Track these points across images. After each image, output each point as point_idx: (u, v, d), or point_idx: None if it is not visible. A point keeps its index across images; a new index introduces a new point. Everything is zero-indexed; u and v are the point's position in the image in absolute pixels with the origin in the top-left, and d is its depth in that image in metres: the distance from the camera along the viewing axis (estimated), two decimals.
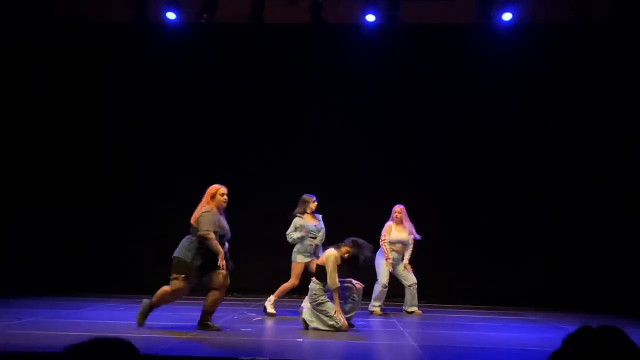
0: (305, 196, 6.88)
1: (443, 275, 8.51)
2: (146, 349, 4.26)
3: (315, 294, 5.59)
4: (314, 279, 5.71)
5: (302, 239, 6.71)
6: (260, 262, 8.77)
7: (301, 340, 5.08)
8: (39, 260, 8.51)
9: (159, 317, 6.32)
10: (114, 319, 6.10)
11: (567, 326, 6.43)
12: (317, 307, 5.56)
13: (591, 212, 8.55)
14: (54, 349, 4.04)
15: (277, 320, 6.29)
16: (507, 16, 8.47)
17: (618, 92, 8.57)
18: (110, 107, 9.18)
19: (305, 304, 5.71)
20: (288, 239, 6.79)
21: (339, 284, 5.57)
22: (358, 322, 5.98)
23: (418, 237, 7.26)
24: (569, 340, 1.49)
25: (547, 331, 6.09)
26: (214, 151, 9.06)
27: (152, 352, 4.20)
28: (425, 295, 8.68)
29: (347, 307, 5.74)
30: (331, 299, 5.62)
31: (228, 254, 5.53)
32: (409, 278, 7.22)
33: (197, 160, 9.03)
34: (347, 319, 5.65)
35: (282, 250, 8.00)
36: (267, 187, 8.82)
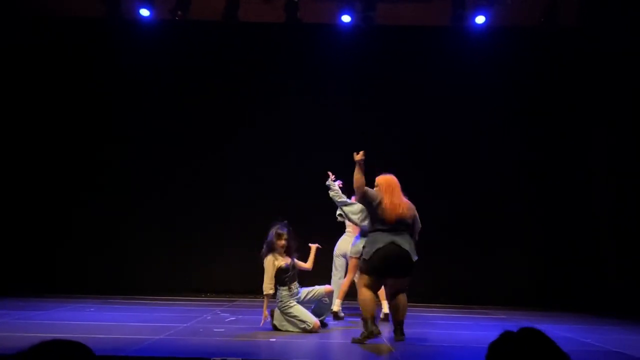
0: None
1: (415, 274, 8.56)
2: (117, 350, 4.22)
3: (281, 301, 5.52)
4: (278, 285, 5.54)
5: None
6: (234, 261, 8.73)
7: (274, 340, 5.08)
8: (7, 259, 8.35)
9: (130, 318, 6.25)
10: (84, 319, 6.00)
11: (536, 324, 6.56)
12: (286, 312, 5.49)
13: (566, 211, 8.74)
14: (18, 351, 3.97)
15: (250, 321, 6.27)
16: (480, 19, 8.61)
17: (586, 92, 8.80)
18: (82, 103, 9.04)
19: (276, 309, 5.62)
20: None
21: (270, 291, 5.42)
22: (331, 321, 6.01)
23: None
24: (492, 347, 1.53)
25: (517, 329, 6.19)
26: (187, 148, 9.00)
27: (123, 353, 4.15)
28: None
29: (319, 310, 5.73)
30: (300, 303, 5.53)
31: None
32: None
33: (169, 157, 8.97)
34: (320, 320, 5.65)
35: (258, 249, 7.98)
36: (242, 184, 8.80)
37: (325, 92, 8.97)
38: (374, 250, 4.86)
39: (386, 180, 5.11)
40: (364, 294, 4.90)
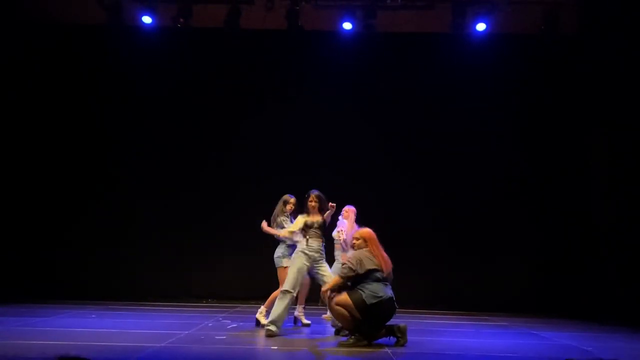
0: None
1: (414, 280, 8.60)
2: (119, 358, 4.23)
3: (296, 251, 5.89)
4: (303, 237, 5.90)
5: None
6: (235, 267, 8.74)
7: (275, 348, 5.08)
8: (7, 265, 8.36)
9: (131, 325, 6.25)
10: (86, 326, 6.00)
11: (537, 332, 6.56)
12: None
13: (566, 218, 8.75)
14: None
15: (252, 328, 6.27)
16: (480, 26, 8.65)
17: (585, 99, 8.83)
18: (83, 109, 9.07)
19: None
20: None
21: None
22: (332, 329, 6.01)
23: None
24: None
25: (519, 337, 6.19)
26: (188, 155, 9.02)
27: None
28: (397, 301, 8.76)
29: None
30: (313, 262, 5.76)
31: None
32: None
33: (170, 164, 8.99)
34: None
35: (259, 255, 7.99)
36: (243, 191, 8.81)
37: (327, 99, 8.99)
38: None
39: None
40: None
